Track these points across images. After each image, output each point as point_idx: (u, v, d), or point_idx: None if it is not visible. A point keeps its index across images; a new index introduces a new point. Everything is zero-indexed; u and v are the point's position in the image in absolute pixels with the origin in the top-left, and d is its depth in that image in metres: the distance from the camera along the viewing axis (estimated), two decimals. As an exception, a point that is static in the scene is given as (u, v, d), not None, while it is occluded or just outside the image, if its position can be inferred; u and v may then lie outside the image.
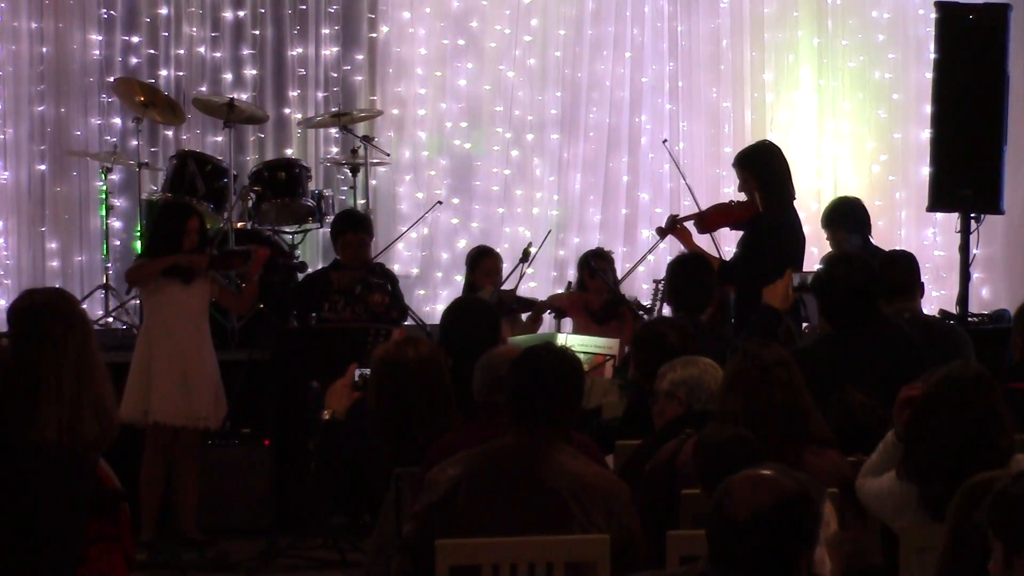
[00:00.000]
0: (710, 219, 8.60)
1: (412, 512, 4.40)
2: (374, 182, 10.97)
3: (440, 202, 10.62)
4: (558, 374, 4.40)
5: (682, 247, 8.61)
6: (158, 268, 8.03)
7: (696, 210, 8.78)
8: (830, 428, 5.22)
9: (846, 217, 8.93)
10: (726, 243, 9.14)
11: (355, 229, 8.82)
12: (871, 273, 6.22)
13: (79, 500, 4.55)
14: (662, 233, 8.72)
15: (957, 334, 7.25)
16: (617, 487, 4.37)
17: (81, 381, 4.42)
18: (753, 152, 8.50)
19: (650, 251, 9.47)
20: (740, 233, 8.46)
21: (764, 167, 8.22)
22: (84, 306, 10.33)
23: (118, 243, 10.72)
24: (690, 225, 8.59)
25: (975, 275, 10.68)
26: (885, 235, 10.98)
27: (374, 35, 11.40)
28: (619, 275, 9.61)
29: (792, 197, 8.36)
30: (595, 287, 9.23)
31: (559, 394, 4.39)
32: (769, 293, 6.50)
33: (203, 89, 11.02)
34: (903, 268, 7.12)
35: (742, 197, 8.45)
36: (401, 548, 4.36)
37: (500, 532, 4.25)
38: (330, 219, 9.96)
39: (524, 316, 9.27)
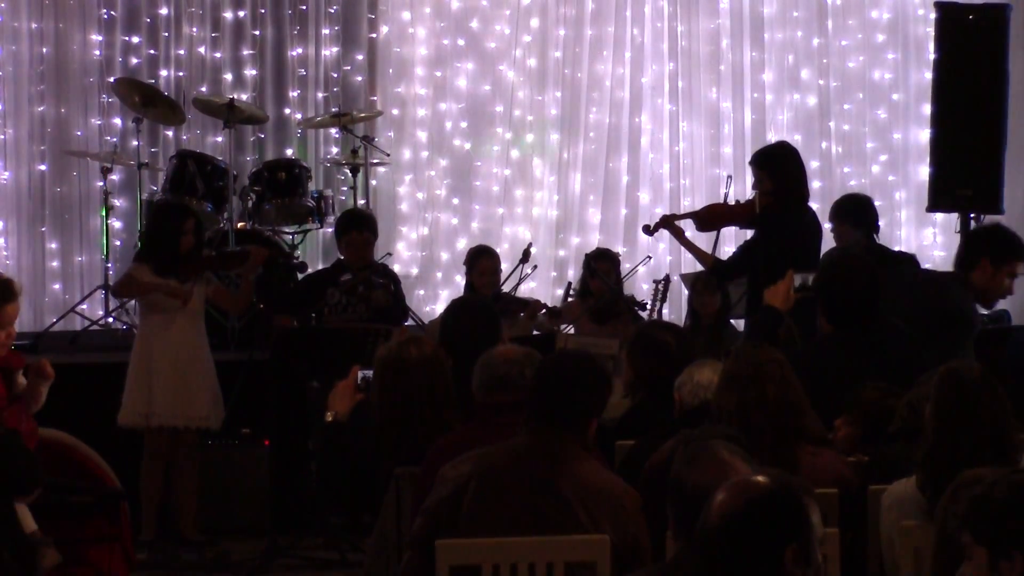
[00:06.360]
0: (709, 218, 8.62)
1: (422, 508, 4.39)
2: (374, 182, 10.96)
3: (389, 253, 10.04)
4: (581, 378, 4.40)
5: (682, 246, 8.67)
6: (147, 291, 8.03)
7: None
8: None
9: (853, 212, 8.92)
10: (726, 243, 9.13)
11: (359, 228, 8.80)
12: (871, 273, 6.21)
13: None
14: (649, 230, 8.77)
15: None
16: (626, 495, 4.33)
17: None
18: (771, 152, 8.51)
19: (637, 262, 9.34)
20: (736, 232, 8.46)
21: (781, 168, 8.23)
22: (84, 306, 10.45)
23: (118, 243, 10.71)
24: (685, 223, 8.61)
25: (975, 275, 10.67)
26: (885, 235, 10.94)
27: (374, 35, 11.41)
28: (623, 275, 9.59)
29: (806, 199, 8.37)
30: (595, 287, 9.22)
31: (580, 398, 4.38)
32: (770, 294, 6.49)
33: (203, 89, 11.02)
34: (906, 269, 7.11)
35: (741, 198, 8.45)
36: (410, 543, 4.36)
37: (504, 532, 4.24)
38: (330, 219, 9.95)
39: (521, 315, 9.25)
